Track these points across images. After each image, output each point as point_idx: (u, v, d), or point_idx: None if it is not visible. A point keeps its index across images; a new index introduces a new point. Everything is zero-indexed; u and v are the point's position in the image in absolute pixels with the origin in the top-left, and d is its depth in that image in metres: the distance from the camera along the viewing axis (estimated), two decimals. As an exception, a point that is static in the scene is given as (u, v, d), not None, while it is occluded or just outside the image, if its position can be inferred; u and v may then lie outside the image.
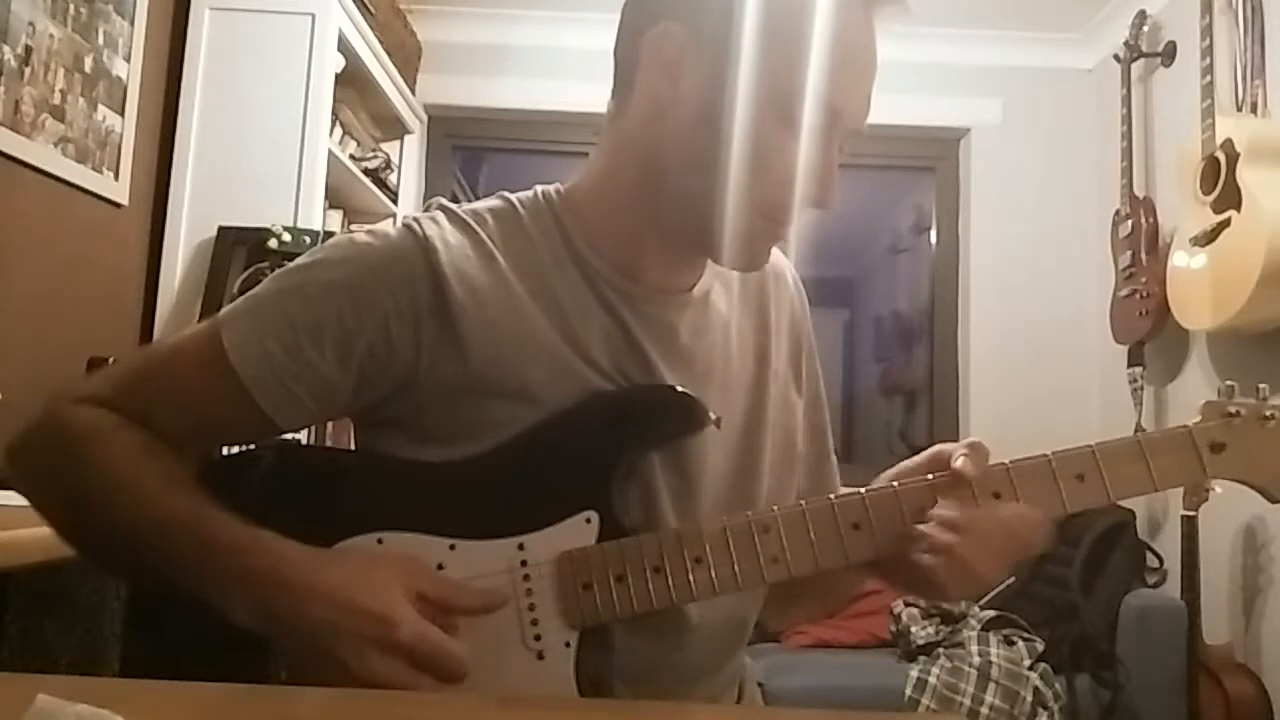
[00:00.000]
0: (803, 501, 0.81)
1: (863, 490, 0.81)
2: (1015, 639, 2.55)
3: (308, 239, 2.33)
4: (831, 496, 0.80)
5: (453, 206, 0.87)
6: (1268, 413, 0.82)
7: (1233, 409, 0.82)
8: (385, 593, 0.72)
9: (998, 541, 0.78)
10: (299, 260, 0.84)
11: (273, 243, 2.29)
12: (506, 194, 0.90)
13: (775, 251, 0.92)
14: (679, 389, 0.84)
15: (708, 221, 0.81)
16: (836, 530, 0.79)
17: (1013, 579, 2.73)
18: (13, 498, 1.28)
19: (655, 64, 0.81)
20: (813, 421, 0.99)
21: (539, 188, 0.90)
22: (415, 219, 0.84)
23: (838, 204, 0.82)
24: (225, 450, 0.93)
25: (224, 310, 0.82)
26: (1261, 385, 0.84)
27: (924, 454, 0.84)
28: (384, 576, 0.74)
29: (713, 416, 0.83)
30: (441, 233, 0.83)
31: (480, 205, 0.88)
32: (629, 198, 0.86)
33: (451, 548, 0.78)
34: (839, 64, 0.79)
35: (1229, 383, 0.83)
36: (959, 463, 0.79)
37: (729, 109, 0.78)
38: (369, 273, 0.80)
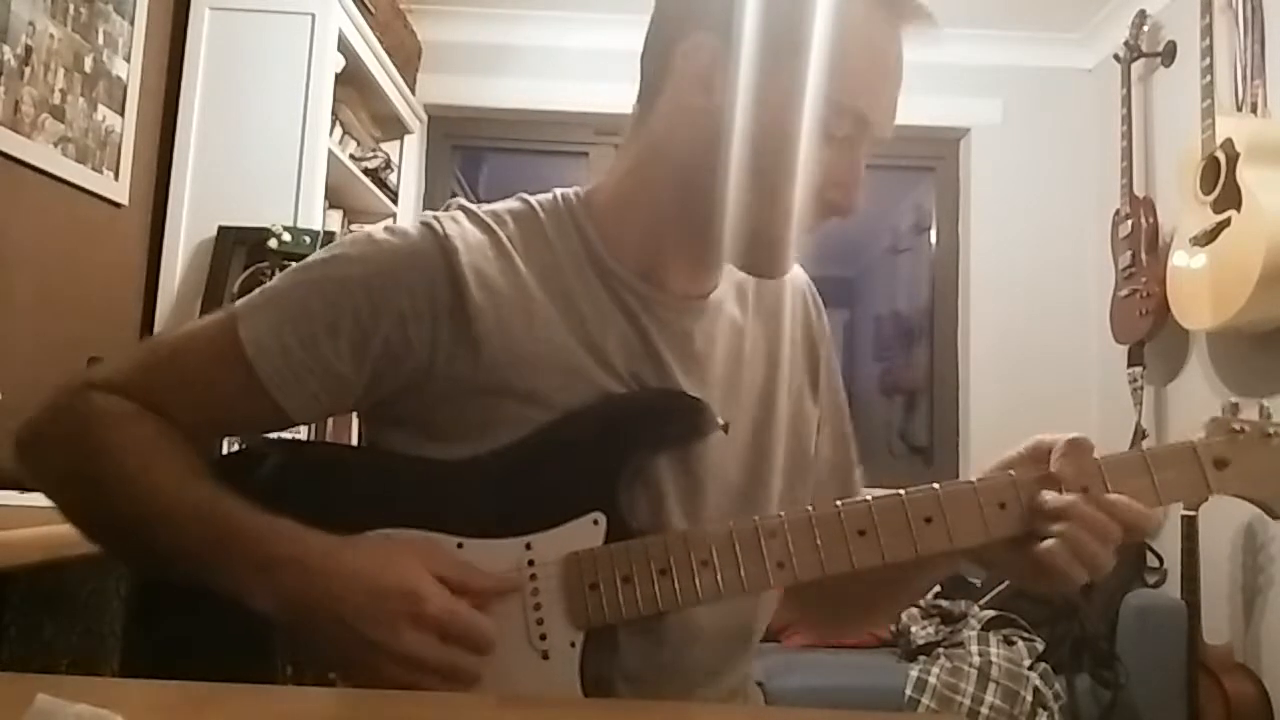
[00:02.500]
0: (810, 506, 0.81)
1: (869, 497, 0.82)
2: (1015, 639, 2.55)
3: (307, 239, 2.33)
4: (838, 503, 0.80)
5: (472, 207, 0.87)
6: (1270, 430, 0.83)
7: (1237, 426, 0.83)
8: (409, 571, 0.73)
9: (1105, 525, 0.81)
10: (316, 255, 0.84)
11: (273, 243, 2.29)
12: (525, 196, 0.90)
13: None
14: (687, 393, 0.84)
15: (736, 230, 0.82)
16: (842, 536, 0.79)
17: (1013, 579, 2.72)
18: (13, 497, 1.29)
19: (687, 75, 0.82)
20: (836, 430, 0.99)
21: (558, 191, 0.90)
22: (436, 218, 0.84)
23: (860, 210, 0.83)
24: (229, 447, 0.93)
25: (239, 303, 0.82)
26: (1265, 404, 0.86)
27: (1024, 445, 0.85)
28: (405, 557, 0.74)
29: (720, 422, 0.83)
30: (462, 232, 0.83)
31: (500, 206, 0.88)
32: (655, 205, 0.86)
33: (459, 546, 0.78)
34: (869, 74, 0.80)
35: (1233, 400, 0.85)
36: (1055, 467, 0.81)
37: (762, 120, 0.79)
38: (388, 271, 0.80)
